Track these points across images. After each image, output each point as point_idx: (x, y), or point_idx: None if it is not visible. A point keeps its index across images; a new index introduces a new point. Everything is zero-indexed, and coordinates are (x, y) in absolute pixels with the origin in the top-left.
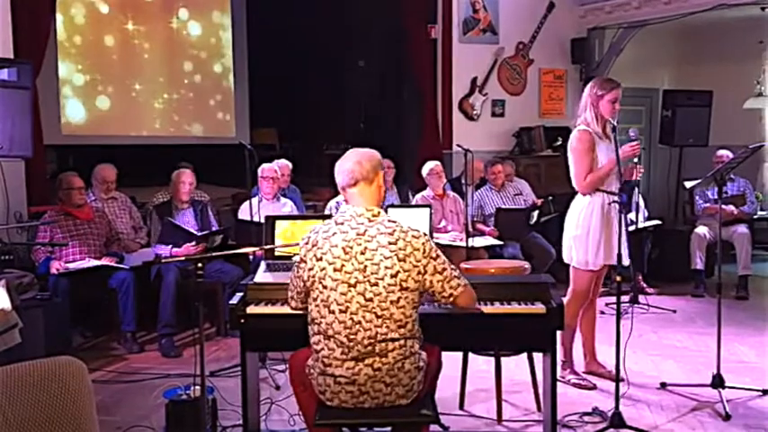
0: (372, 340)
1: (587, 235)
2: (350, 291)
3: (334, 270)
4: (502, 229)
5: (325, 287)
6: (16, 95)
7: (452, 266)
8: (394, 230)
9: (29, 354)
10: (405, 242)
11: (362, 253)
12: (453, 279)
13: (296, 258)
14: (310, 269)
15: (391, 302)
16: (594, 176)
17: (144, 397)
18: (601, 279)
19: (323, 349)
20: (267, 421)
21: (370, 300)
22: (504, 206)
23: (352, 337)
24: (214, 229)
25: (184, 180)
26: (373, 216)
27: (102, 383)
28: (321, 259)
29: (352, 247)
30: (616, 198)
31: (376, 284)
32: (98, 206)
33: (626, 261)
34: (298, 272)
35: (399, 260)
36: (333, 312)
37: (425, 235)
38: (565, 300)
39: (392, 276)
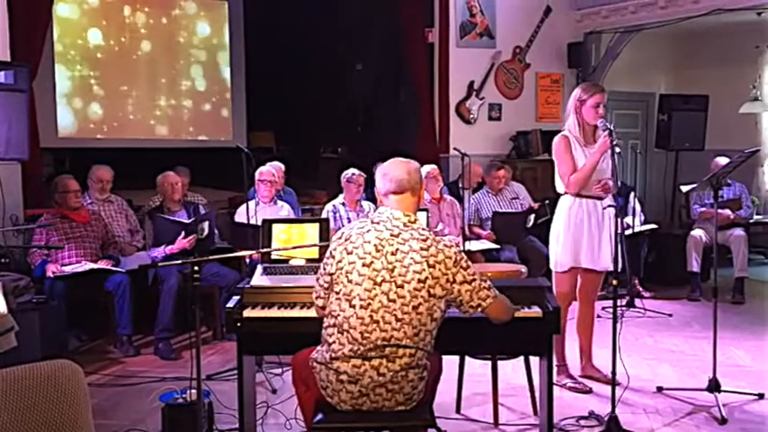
0: (386, 342)
1: (556, 237)
2: (374, 288)
3: (363, 265)
4: (498, 232)
5: (350, 281)
6: (13, 98)
7: (483, 278)
8: (427, 238)
9: (25, 357)
10: (436, 249)
11: (393, 254)
12: (482, 290)
13: (327, 254)
14: (339, 261)
15: (413, 308)
16: (578, 175)
17: (140, 400)
18: (598, 283)
19: (335, 342)
20: (263, 425)
21: (393, 301)
22: (500, 210)
23: (366, 335)
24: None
25: (171, 181)
26: (409, 222)
27: (97, 387)
28: (352, 253)
29: (384, 246)
30: (611, 203)
31: (402, 287)
32: (94, 209)
33: (608, 266)
34: (325, 269)
35: (429, 266)
36: (353, 307)
37: (457, 245)
38: None
39: (420, 282)
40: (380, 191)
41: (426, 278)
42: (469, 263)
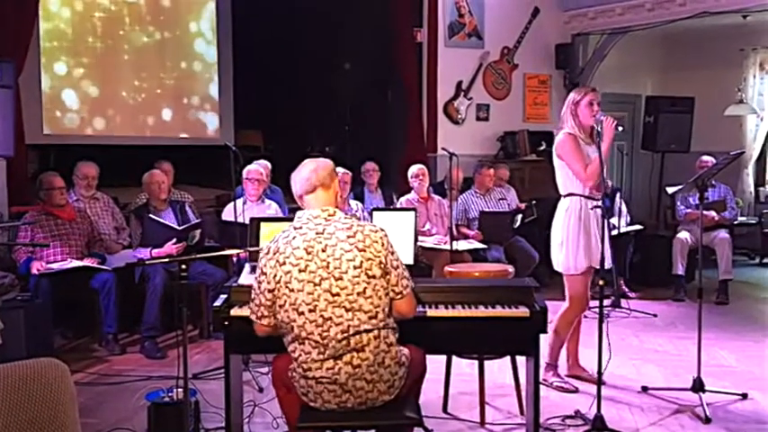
0: (346, 334)
1: (567, 240)
2: (316, 289)
3: (299, 271)
4: (486, 232)
5: (291, 290)
6: None
7: (404, 266)
8: (351, 225)
9: (10, 355)
10: (363, 235)
11: (324, 250)
12: (404, 278)
13: (257, 272)
14: (274, 275)
15: (358, 294)
16: (592, 166)
17: (126, 399)
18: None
19: (300, 355)
20: (250, 424)
21: (337, 294)
22: (488, 210)
23: (325, 334)
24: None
25: (158, 180)
26: (329, 215)
27: (83, 385)
28: (284, 264)
29: (313, 247)
30: (598, 203)
31: (341, 279)
32: (80, 206)
33: (608, 264)
34: (260, 287)
35: (360, 250)
36: (302, 314)
37: (383, 230)
38: (562, 308)
39: (356, 268)
40: (296, 195)
41: (361, 262)
42: (394, 248)
